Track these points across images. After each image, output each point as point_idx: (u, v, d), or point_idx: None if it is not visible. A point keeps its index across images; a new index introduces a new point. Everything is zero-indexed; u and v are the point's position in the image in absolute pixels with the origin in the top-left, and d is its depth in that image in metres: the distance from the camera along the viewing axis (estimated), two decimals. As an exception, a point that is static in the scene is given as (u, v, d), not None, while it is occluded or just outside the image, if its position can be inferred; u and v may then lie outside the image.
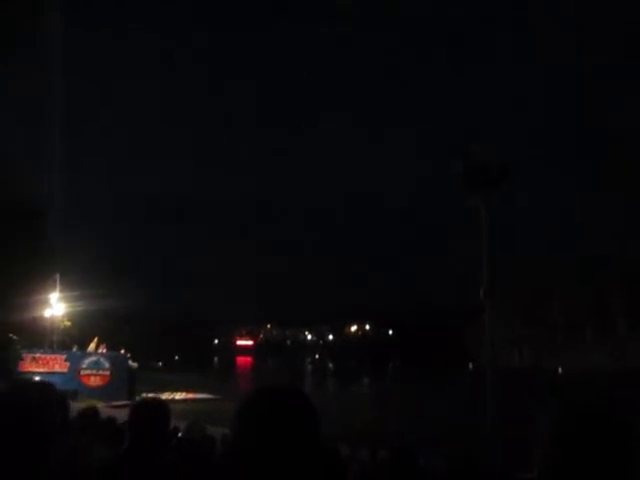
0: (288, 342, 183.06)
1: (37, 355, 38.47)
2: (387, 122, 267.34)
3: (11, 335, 41.52)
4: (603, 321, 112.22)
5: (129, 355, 40.66)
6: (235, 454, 1.68)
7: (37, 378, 32.03)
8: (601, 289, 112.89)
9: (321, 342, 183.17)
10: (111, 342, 42.45)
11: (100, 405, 24.24)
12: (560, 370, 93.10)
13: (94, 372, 38.18)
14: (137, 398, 29.94)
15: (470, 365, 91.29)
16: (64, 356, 38.67)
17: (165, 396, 35.06)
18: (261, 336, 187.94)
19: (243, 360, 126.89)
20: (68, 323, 47.95)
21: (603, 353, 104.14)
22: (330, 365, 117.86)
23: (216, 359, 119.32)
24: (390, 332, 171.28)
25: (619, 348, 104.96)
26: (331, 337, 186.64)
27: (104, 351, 39.79)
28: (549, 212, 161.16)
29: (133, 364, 40.22)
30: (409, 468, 5.12)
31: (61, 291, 44.17)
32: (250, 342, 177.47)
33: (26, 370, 36.41)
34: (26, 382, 2.71)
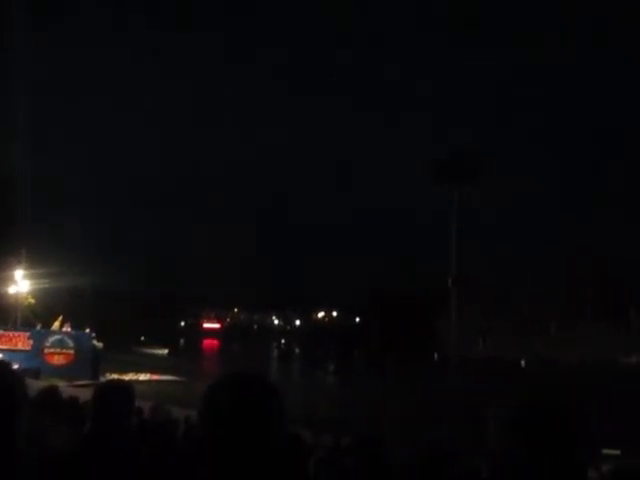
0: (255, 326, 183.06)
1: (0, 332, 37.99)
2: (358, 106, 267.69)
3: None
4: (568, 314, 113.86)
5: (94, 335, 40.28)
6: (201, 440, 1.70)
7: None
8: (567, 282, 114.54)
9: (288, 327, 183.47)
10: (76, 321, 41.96)
11: (63, 384, 24.07)
12: (523, 362, 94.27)
13: (58, 351, 37.80)
14: (101, 378, 29.77)
15: (436, 355, 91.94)
16: (28, 334, 38.23)
17: (129, 377, 34.90)
18: (228, 320, 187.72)
19: (209, 343, 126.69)
20: (32, 300, 47.30)
21: (567, 346, 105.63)
22: (296, 350, 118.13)
23: (182, 341, 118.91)
24: (357, 319, 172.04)
25: (584, 341, 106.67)
26: (298, 323, 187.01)
27: (68, 330, 39.39)
28: (517, 203, 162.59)
29: (98, 344, 39.86)
30: (373, 455, 5.13)
31: (26, 268, 43.60)
32: (217, 325, 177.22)
33: (-12, 347, 35.96)
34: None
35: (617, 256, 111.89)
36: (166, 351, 78.85)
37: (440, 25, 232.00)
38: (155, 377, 41.73)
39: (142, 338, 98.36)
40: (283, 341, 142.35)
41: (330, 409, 34.45)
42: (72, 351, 37.88)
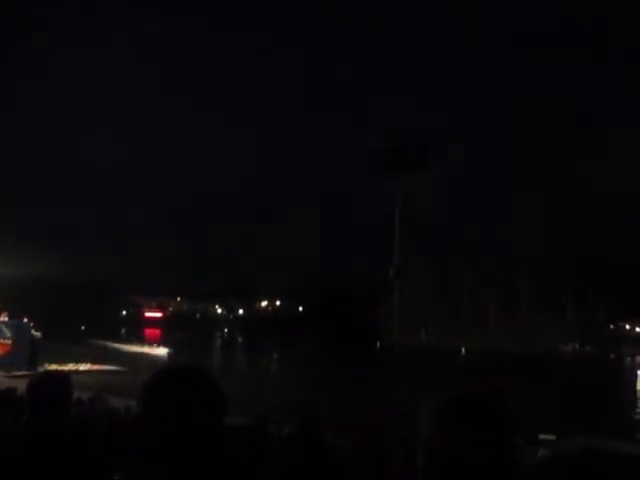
0: (198, 315, 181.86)
1: None
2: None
3: None
4: (507, 304, 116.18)
5: (32, 324, 39.49)
6: (139, 433, 1.72)
7: None
8: (508, 275, 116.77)
9: (231, 316, 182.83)
10: (13, 310, 41.05)
11: (0, 375, 23.55)
12: (463, 350, 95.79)
13: (-6, 341, 36.99)
14: (40, 369, 29.21)
15: (378, 343, 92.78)
16: (-37, 324, 37.33)
17: (69, 367, 34.35)
18: (170, 309, 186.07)
19: (151, 332, 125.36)
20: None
21: (507, 336, 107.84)
22: (239, 339, 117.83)
23: (123, 331, 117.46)
24: (300, 308, 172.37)
25: (523, 332, 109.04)
26: (241, 312, 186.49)
27: (5, 319, 38.54)
28: (456, 196, 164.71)
29: (36, 333, 39.09)
30: (314, 443, 5.15)
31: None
32: (159, 314, 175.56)
33: None
34: None
35: (555, 248, 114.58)
36: (165, 351, 68.24)
37: (385, 18, 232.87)
38: (96, 367, 41.16)
39: (82, 328, 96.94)
40: (226, 330, 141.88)
41: (273, 398, 34.45)
42: (9, 341, 37.08)
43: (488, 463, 1.45)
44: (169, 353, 64.20)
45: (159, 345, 74.40)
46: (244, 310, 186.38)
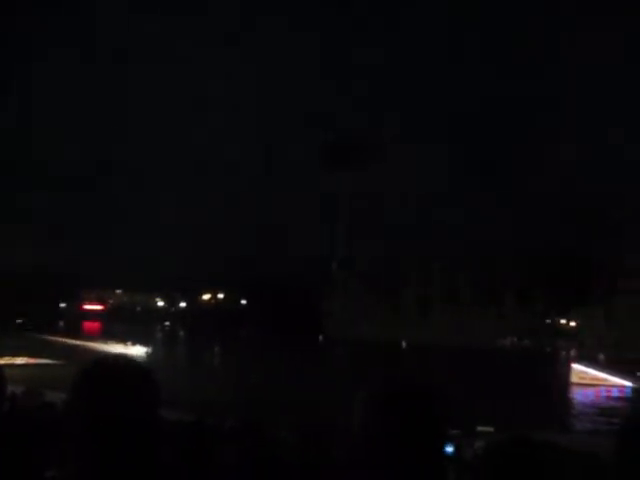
0: (138, 308, 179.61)
1: None
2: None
3: None
4: (450, 302, 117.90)
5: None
6: (70, 427, 1.70)
7: None
8: (450, 273, 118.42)
9: (173, 309, 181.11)
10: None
11: None
12: (404, 344, 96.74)
13: None
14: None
15: (320, 336, 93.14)
16: None
17: (4, 361, 33.62)
18: (110, 301, 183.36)
19: (91, 325, 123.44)
20: None
21: (448, 330, 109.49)
22: (181, 332, 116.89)
23: (62, 323, 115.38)
24: (243, 302, 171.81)
25: (464, 327, 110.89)
26: (183, 304, 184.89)
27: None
28: (408, 196, 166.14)
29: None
30: (256, 437, 5.13)
31: None
32: (99, 307, 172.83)
33: None
34: None
35: (493, 243, 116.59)
36: (144, 350, 65.22)
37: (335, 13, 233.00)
38: (32, 361, 40.38)
39: (18, 321, 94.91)
40: (167, 323, 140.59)
41: (215, 391, 34.30)
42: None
43: (416, 455, 1.47)
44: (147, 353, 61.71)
45: (126, 342, 69.92)
46: (186, 303, 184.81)
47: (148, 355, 60.42)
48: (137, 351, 61.68)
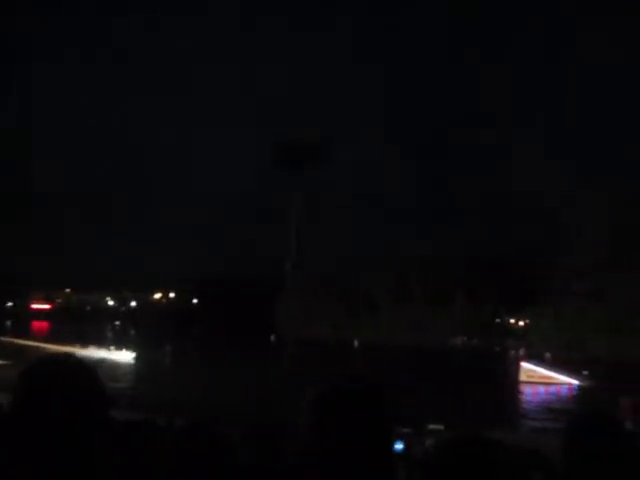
0: (88, 307, 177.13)
1: None
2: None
3: None
4: (402, 302, 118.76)
5: None
6: (15, 427, 1.70)
7: None
8: (402, 273, 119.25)
9: (123, 308, 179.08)
10: None
11: None
12: (356, 343, 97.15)
13: None
14: None
15: (272, 336, 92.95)
16: None
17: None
18: (59, 300, 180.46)
19: (39, 325, 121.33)
20: None
21: (400, 330, 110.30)
22: (132, 332, 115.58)
23: (9, 323, 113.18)
24: (195, 300, 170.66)
25: (415, 326, 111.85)
26: (134, 304, 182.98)
27: None
28: (360, 197, 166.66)
29: None
30: (205, 436, 5.09)
31: None
32: (47, 306, 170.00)
33: None
34: None
35: (444, 243, 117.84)
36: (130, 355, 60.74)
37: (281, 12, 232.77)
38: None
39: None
40: (118, 322, 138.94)
41: (165, 391, 33.97)
42: None
43: (363, 453, 1.47)
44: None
45: (114, 347, 66.69)
46: (137, 302, 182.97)
47: (137, 360, 57.26)
48: (122, 356, 58.43)
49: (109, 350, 63.92)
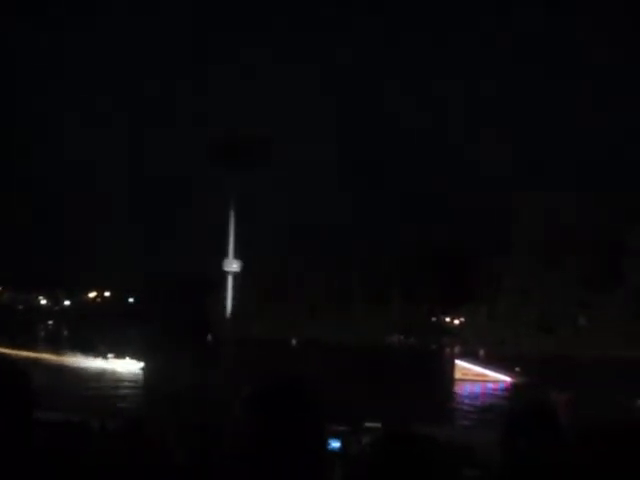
0: (20, 307, 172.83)
1: None
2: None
3: None
4: (339, 301, 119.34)
5: None
6: None
7: None
8: (340, 272, 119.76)
9: (57, 307, 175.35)
10: None
11: None
12: (294, 342, 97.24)
13: None
14: None
15: (209, 336, 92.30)
16: None
17: None
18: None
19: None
20: None
21: (338, 328, 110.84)
22: (65, 332, 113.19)
23: None
24: (131, 300, 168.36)
25: (353, 325, 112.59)
26: (68, 303, 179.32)
27: None
28: (298, 197, 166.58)
29: None
30: (140, 436, 5.05)
31: None
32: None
33: None
34: None
35: (381, 242, 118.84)
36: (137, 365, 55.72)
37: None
38: None
39: None
40: (51, 322, 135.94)
41: (99, 392, 33.44)
42: None
43: (294, 451, 1.46)
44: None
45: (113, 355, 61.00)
46: (71, 301, 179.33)
47: (145, 371, 52.90)
48: (127, 366, 53.75)
49: (106, 358, 59.99)
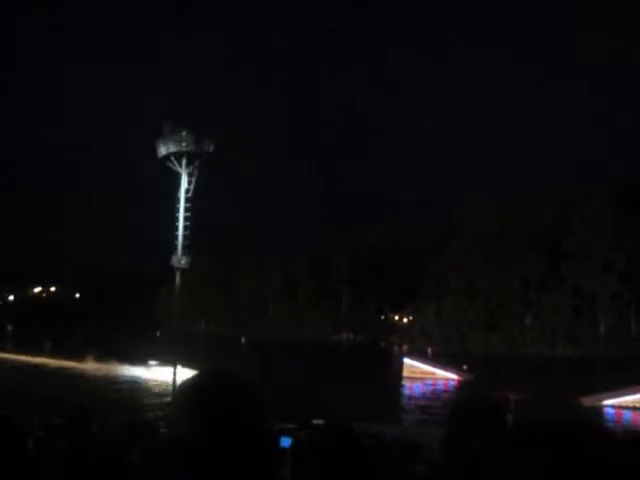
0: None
1: None
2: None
3: None
4: (288, 299, 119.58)
5: None
6: None
7: None
8: (289, 268, 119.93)
9: (0, 303, 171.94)
10: None
11: None
12: (243, 340, 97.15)
13: None
14: None
15: (158, 332, 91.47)
16: None
17: None
18: None
19: None
20: None
21: (286, 326, 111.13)
22: (9, 328, 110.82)
23: None
24: (77, 295, 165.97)
25: (301, 323, 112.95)
26: (12, 298, 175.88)
27: None
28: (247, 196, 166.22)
29: None
30: (83, 434, 4.96)
31: None
32: None
33: None
34: None
35: (330, 240, 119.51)
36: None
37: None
38: None
39: None
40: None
41: (42, 389, 32.88)
42: None
43: (237, 448, 1.44)
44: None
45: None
46: (14, 296, 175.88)
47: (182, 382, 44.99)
48: (162, 374, 44.11)
49: (147, 366, 52.39)
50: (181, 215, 33.34)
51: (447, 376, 55.14)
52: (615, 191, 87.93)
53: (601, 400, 40.54)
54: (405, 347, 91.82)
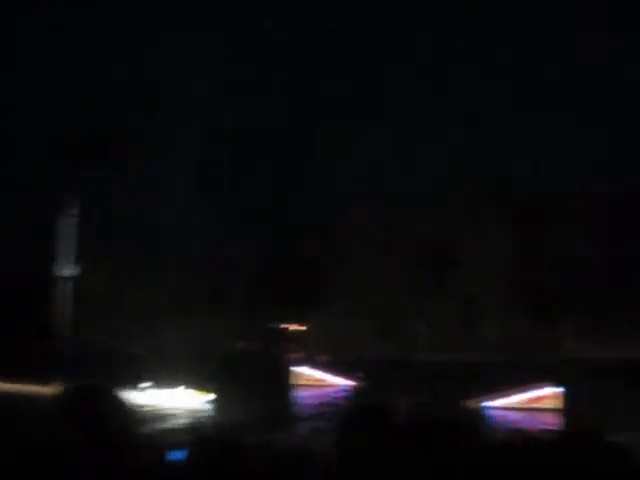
0: None
1: None
2: None
3: None
4: (177, 307, 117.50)
5: None
6: None
7: None
8: (179, 275, 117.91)
9: None
10: None
11: None
12: (138, 351, 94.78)
13: None
14: None
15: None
16: None
17: None
18: None
19: None
20: None
21: (176, 336, 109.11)
22: None
23: None
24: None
25: (191, 332, 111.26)
26: None
27: None
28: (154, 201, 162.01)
29: None
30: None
31: None
32: None
33: None
34: None
35: (222, 247, 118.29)
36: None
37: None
38: None
39: None
40: None
41: None
42: None
43: (98, 449, 1.41)
44: None
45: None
46: None
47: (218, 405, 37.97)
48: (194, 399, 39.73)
49: (140, 388, 42.94)
50: (70, 219, 32.37)
51: (341, 383, 55.43)
52: (502, 198, 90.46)
53: (486, 401, 42.10)
54: (297, 355, 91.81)
